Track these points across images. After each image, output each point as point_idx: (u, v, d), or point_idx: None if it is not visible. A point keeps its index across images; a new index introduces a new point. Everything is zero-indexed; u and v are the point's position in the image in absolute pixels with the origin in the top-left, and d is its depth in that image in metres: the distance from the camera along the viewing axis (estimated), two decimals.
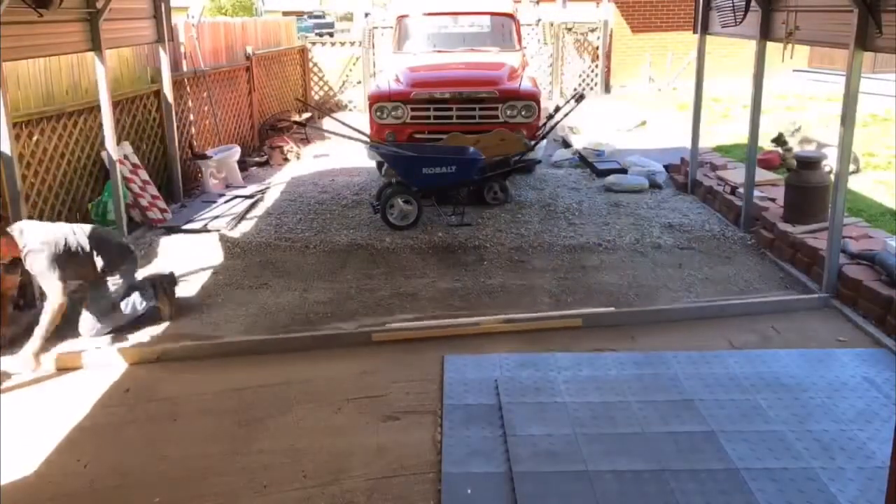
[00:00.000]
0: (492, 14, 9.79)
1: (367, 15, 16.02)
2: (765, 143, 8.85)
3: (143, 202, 7.13)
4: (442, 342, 4.74)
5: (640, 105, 14.01)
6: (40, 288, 5.34)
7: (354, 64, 14.67)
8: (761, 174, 7.35)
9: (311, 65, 14.40)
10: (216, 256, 6.41)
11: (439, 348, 4.64)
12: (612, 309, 5.15)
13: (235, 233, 7.03)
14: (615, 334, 4.79)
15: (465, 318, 5.02)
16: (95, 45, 6.19)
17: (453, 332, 4.85)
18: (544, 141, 8.09)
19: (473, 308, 5.27)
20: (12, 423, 3.90)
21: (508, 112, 7.83)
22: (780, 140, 8.81)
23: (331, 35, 20.47)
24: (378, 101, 7.95)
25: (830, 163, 7.31)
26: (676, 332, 4.83)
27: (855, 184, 7.60)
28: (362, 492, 3.30)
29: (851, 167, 7.71)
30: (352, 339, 4.81)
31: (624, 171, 8.89)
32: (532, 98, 7.93)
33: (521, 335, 4.82)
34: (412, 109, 7.87)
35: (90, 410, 4.00)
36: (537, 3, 16.95)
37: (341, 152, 10.25)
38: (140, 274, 5.29)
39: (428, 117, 7.90)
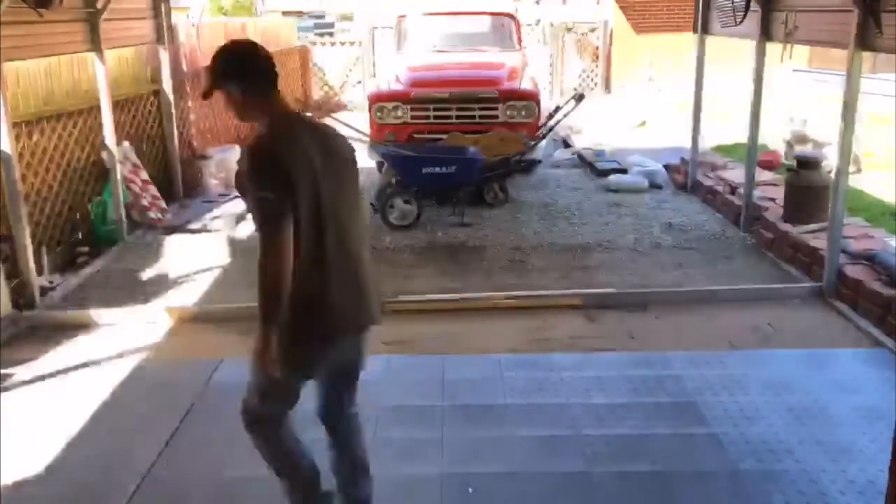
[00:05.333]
0: (492, 14, 9.79)
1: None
2: (771, 142, 8.85)
3: (143, 202, 7.12)
4: (448, 314, 5.06)
5: (640, 105, 14.00)
6: (40, 287, 5.36)
7: (355, 64, 14.67)
8: (761, 174, 7.35)
9: (311, 65, 14.40)
10: (216, 257, 6.40)
11: (445, 320, 4.98)
12: (612, 290, 5.41)
13: (236, 233, 7.02)
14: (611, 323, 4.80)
15: (471, 294, 5.33)
16: (95, 45, 6.18)
17: (459, 305, 5.18)
18: (544, 141, 8.09)
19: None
20: (22, 419, 3.89)
21: (508, 112, 7.83)
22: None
23: (331, 35, 20.46)
24: (378, 101, 7.94)
25: (830, 162, 7.32)
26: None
27: (855, 183, 7.59)
28: None
29: (852, 168, 7.70)
30: None
31: (624, 170, 8.89)
32: (532, 98, 7.93)
33: (522, 312, 5.09)
34: (412, 109, 7.87)
35: (98, 406, 3.99)
36: (537, 2, 16.95)
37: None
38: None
39: (428, 117, 7.89)
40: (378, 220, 7.10)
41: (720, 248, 6.43)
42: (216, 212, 7.48)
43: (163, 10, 7.48)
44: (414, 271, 6.02)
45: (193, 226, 7.07)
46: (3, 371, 4.37)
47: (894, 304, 4.65)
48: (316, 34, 20.54)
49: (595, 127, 11.75)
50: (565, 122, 9.24)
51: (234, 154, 9.04)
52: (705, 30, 7.64)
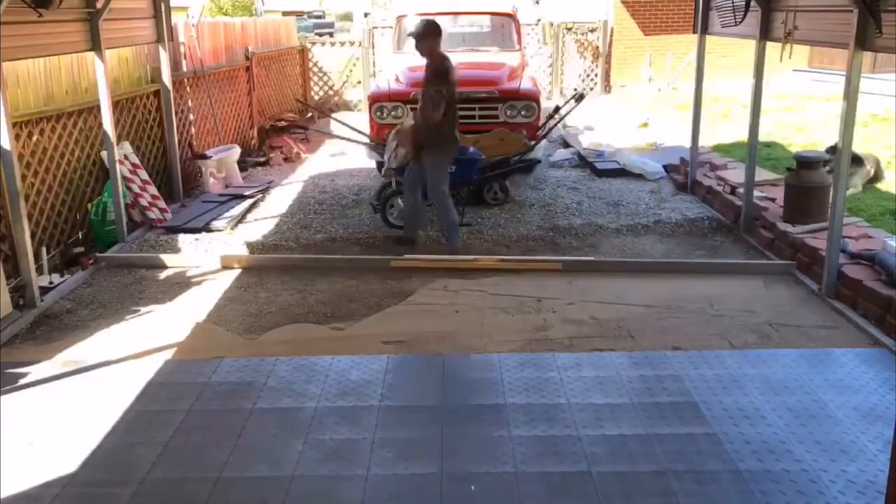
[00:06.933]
0: (492, 14, 9.79)
1: (366, 15, 16.03)
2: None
3: (143, 202, 7.12)
4: (446, 272, 5.87)
5: (641, 105, 14.01)
6: (40, 287, 5.37)
7: (355, 64, 14.67)
8: (761, 174, 7.35)
9: (311, 65, 14.40)
10: (216, 257, 6.39)
11: (443, 277, 5.79)
12: (591, 258, 6.10)
13: (235, 233, 7.02)
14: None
15: (466, 256, 6.20)
16: (95, 45, 6.18)
17: (457, 265, 6.01)
18: (544, 141, 8.09)
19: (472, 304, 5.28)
20: (21, 420, 3.89)
21: (508, 112, 7.83)
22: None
23: (331, 35, 20.48)
24: (378, 101, 7.94)
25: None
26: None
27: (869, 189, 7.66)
28: None
29: (870, 172, 7.72)
30: (375, 263, 6.06)
31: (624, 171, 8.90)
32: (532, 98, 7.93)
33: (512, 274, 5.85)
34: (412, 109, 7.86)
35: (98, 408, 3.99)
36: (537, 2, 16.95)
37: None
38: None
39: None
40: (378, 219, 7.10)
41: (719, 248, 6.44)
42: (216, 212, 7.45)
43: (163, 10, 7.47)
44: (413, 271, 6.01)
45: (193, 226, 7.05)
46: (4, 372, 4.38)
47: (894, 303, 4.66)
48: (316, 34, 20.55)
49: (595, 127, 11.76)
50: (565, 121, 9.26)
51: (234, 154, 9.05)
52: (705, 30, 7.63)
